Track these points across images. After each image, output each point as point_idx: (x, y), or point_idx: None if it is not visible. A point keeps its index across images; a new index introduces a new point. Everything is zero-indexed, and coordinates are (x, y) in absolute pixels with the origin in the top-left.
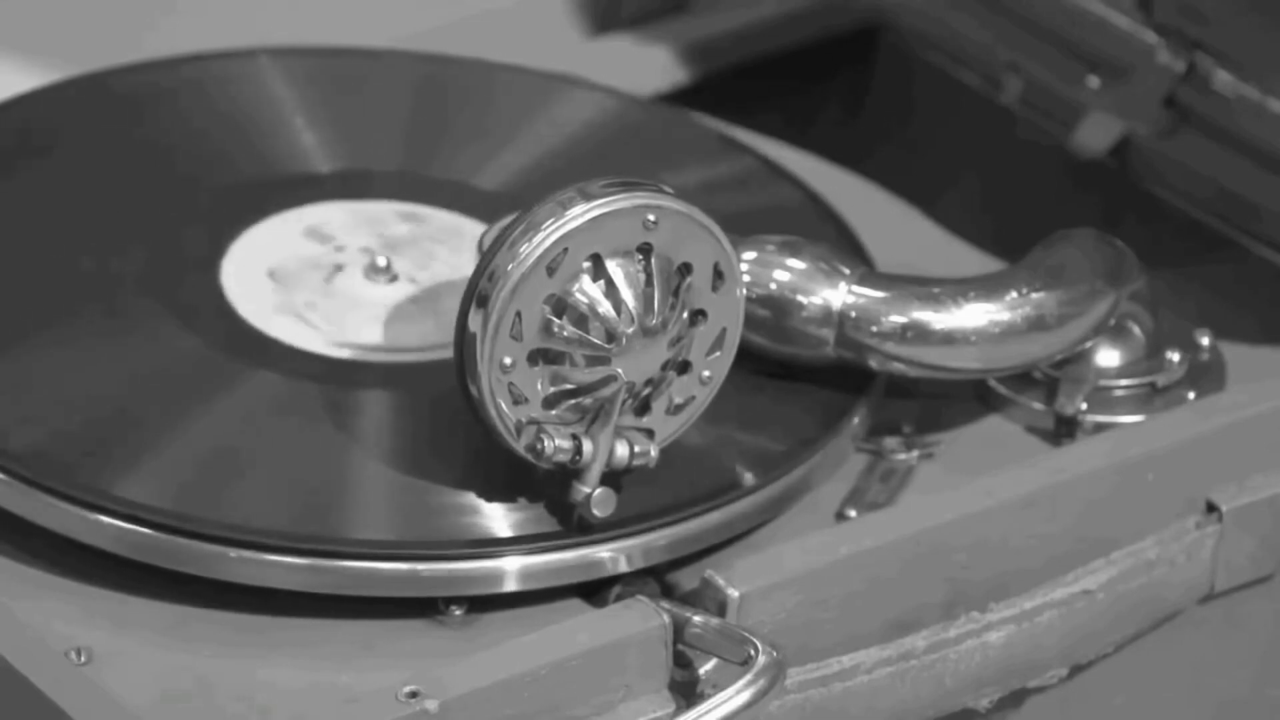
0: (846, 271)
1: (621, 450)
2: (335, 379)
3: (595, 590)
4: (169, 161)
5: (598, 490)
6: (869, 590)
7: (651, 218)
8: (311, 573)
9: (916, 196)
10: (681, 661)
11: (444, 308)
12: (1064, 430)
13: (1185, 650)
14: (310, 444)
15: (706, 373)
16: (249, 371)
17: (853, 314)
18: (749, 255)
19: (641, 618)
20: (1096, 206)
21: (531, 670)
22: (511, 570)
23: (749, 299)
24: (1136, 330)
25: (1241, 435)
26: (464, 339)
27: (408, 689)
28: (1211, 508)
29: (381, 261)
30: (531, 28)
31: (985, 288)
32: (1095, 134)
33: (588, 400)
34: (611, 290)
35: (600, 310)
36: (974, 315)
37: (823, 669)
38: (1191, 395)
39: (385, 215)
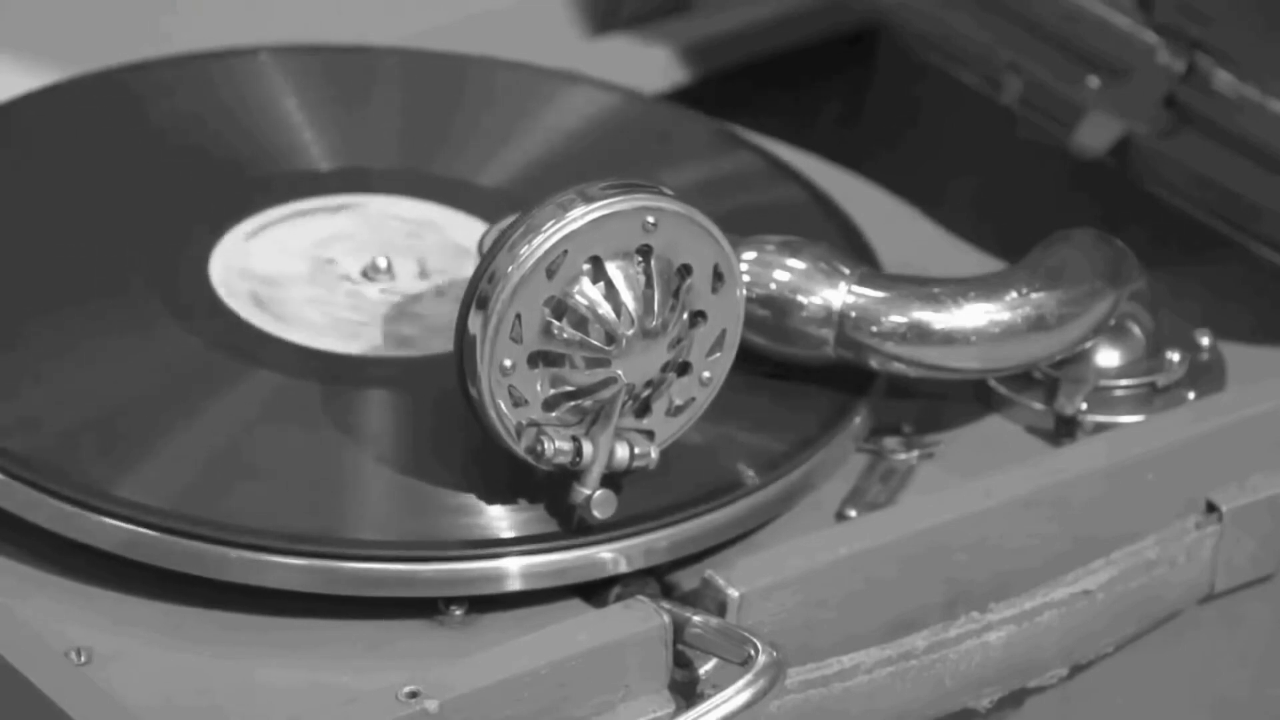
0: (846, 271)
1: (622, 452)
2: (334, 379)
3: (595, 590)
4: (170, 161)
5: (598, 492)
6: (869, 590)
7: (651, 219)
8: (311, 573)
9: (916, 196)
10: (681, 661)
11: (443, 308)
12: (1064, 430)
13: (1185, 650)
14: (310, 444)
15: (706, 374)
16: (248, 371)
17: (853, 314)
18: (749, 255)
19: (641, 618)
20: (1096, 206)
21: (531, 670)
22: (511, 571)
23: (749, 299)
24: (1136, 330)
25: (1241, 435)
26: (464, 341)
27: (408, 689)
28: (1211, 508)
29: (381, 261)
30: (531, 28)
31: (985, 288)
32: (1095, 134)
33: (588, 402)
34: (611, 292)
35: (600, 312)
36: (974, 315)
37: (823, 669)
38: (1191, 395)
39: (385, 213)
